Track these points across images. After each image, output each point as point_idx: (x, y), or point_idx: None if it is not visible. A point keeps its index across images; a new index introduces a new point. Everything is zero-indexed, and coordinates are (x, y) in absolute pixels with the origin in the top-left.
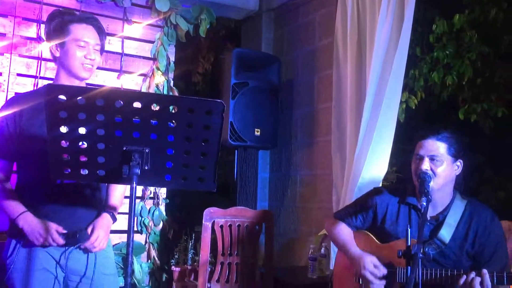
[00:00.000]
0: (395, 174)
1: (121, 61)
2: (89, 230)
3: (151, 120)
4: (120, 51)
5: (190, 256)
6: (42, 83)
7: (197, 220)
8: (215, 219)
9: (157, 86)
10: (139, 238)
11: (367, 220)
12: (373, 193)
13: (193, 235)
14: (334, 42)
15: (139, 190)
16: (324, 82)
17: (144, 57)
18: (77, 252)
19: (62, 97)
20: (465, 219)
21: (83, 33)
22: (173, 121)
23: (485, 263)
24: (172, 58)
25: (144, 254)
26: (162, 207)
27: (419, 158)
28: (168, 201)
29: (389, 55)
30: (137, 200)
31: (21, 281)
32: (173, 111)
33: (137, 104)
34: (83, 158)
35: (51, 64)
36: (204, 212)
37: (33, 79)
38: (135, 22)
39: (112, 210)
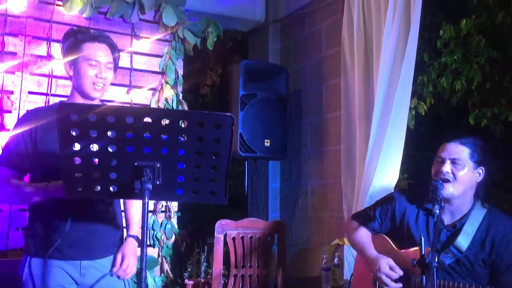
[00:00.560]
0: (406, 181)
1: (130, 76)
2: (118, 258)
3: (162, 135)
4: (129, 66)
5: (203, 269)
6: (53, 100)
7: (209, 232)
8: (227, 231)
9: (166, 99)
10: (152, 252)
11: (385, 223)
12: (392, 195)
13: (206, 247)
14: (341, 51)
15: (150, 203)
16: (332, 91)
17: (152, 72)
18: (92, 267)
19: (74, 115)
20: (483, 228)
21: (95, 52)
22: (183, 136)
23: (502, 273)
24: (181, 72)
25: (157, 268)
26: (174, 220)
27: (441, 161)
28: (179, 214)
29: (396, 62)
30: (149, 214)
31: None
32: (183, 126)
33: (147, 120)
34: (96, 175)
35: (62, 82)
36: (216, 225)
37: (44, 96)
38: (143, 37)
39: (136, 234)
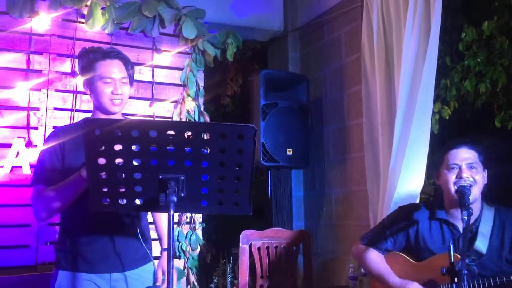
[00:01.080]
0: (432, 187)
1: (152, 90)
2: (159, 273)
3: (185, 148)
4: (151, 80)
5: (229, 279)
6: (77, 115)
7: (233, 242)
8: (252, 242)
9: (188, 111)
10: (178, 264)
11: (398, 242)
12: (401, 212)
13: (231, 257)
14: (361, 58)
15: (175, 215)
16: (354, 98)
17: (174, 84)
18: (121, 280)
19: (99, 130)
20: (497, 226)
21: (108, 69)
22: (206, 148)
23: None
24: (202, 84)
25: (184, 280)
26: (199, 231)
27: (457, 168)
28: (204, 225)
29: (418, 67)
30: (174, 226)
31: None
32: (205, 138)
33: (170, 133)
34: (121, 189)
35: (86, 97)
36: (240, 235)
37: (70, 112)
38: (164, 50)
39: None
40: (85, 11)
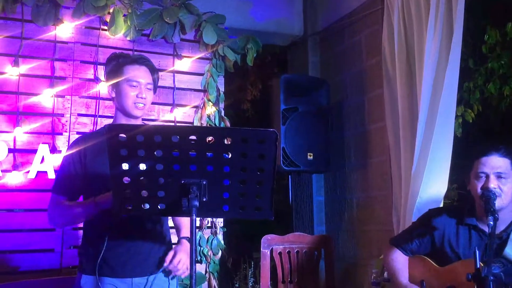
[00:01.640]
0: (456, 191)
1: (173, 95)
2: (170, 254)
3: (207, 153)
4: (172, 85)
5: (251, 284)
6: (101, 121)
7: (254, 247)
8: (273, 246)
9: (208, 116)
10: (199, 268)
11: (423, 245)
12: (429, 216)
13: (252, 262)
14: (382, 61)
15: (197, 220)
16: (374, 102)
17: (195, 90)
18: (143, 284)
19: (122, 135)
20: None
21: (135, 73)
22: (228, 152)
23: None
24: (222, 89)
25: (205, 284)
26: (220, 236)
27: (484, 176)
28: (225, 229)
29: (440, 70)
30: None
31: None
32: (227, 142)
33: (192, 138)
34: (144, 193)
35: (109, 103)
36: (261, 240)
37: (93, 118)
38: (185, 56)
39: (187, 236)
40: (108, 19)
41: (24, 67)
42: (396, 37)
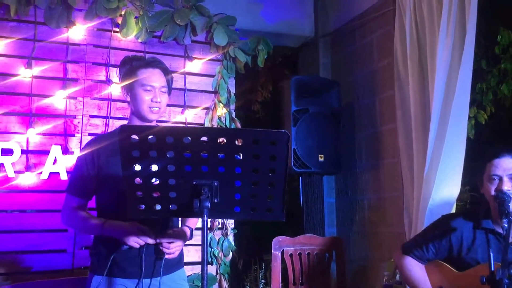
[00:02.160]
0: (468, 194)
1: (184, 96)
2: (169, 232)
3: (218, 154)
4: (183, 87)
5: (261, 286)
6: (112, 122)
7: (265, 249)
8: (284, 248)
9: (219, 118)
10: (210, 269)
11: (440, 251)
12: (444, 221)
13: (263, 264)
14: (394, 62)
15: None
16: (386, 103)
17: (206, 91)
18: (154, 286)
19: (135, 137)
20: None
21: (149, 77)
22: (240, 154)
23: None
24: (233, 90)
25: (216, 286)
26: (231, 238)
27: (497, 179)
28: (236, 231)
29: (453, 71)
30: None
31: None
32: (238, 144)
33: (204, 139)
34: (156, 194)
35: (120, 104)
36: (272, 241)
37: (104, 119)
38: (196, 58)
39: (191, 227)
40: (119, 21)
41: (37, 69)
42: (408, 38)
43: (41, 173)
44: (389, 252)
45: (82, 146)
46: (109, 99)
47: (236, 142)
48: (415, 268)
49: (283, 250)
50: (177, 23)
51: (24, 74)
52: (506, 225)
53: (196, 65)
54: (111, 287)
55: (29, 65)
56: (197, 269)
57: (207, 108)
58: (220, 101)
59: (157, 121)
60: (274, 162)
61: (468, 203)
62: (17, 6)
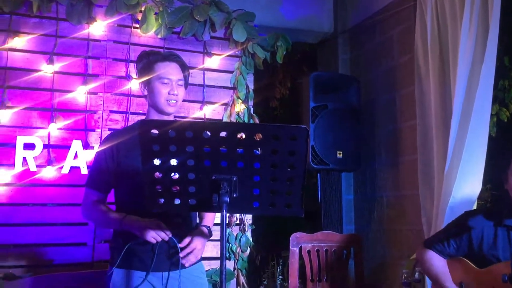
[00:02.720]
0: (489, 192)
1: (203, 92)
2: (186, 241)
3: (238, 149)
4: (202, 83)
5: (279, 282)
6: (132, 117)
7: (283, 245)
8: (302, 244)
9: (238, 114)
10: (228, 265)
11: (461, 247)
12: (466, 217)
13: (280, 260)
14: (415, 58)
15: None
16: (406, 100)
17: (224, 87)
18: (174, 279)
19: (155, 131)
20: None
21: (166, 70)
22: (259, 149)
23: None
24: (251, 86)
25: (233, 281)
26: (249, 233)
27: None
28: (254, 227)
29: (475, 67)
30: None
31: None
32: (257, 139)
33: (223, 134)
34: (175, 189)
35: (140, 100)
36: (290, 238)
37: (124, 114)
38: (215, 54)
39: (208, 225)
40: (139, 17)
41: (58, 65)
42: (430, 33)
43: (62, 167)
44: (408, 249)
45: (101, 141)
46: (128, 95)
47: (255, 137)
48: (436, 262)
49: (301, 247)
50: (196, 19)
51: (46, 70)
52: None
53: (215, 61)
54: (131, 280)
55: (51, 61)
56: (215, 264)
57: (225, 104)
58: (238, 97)
59: (176, 116)
60: (293, 158)
61: (489, 202)
62: (39, 2)
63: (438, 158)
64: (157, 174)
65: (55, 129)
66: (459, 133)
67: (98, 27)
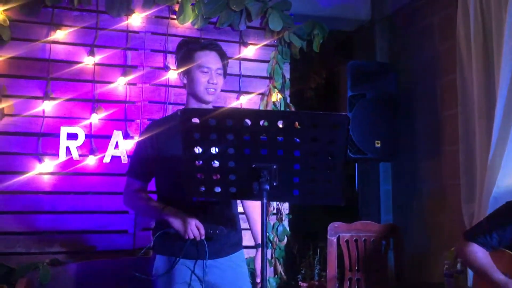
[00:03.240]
0: None
1: (239, 82)
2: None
3: (278, 137)
4: (238, 73)
5: (317, 271)
6: (170, 108)
7: (320, 235)
8: (340, 234)
9: (274, 104)
10: None
11: (504, 239)
12: (508, 208)
13: (318, 250)
14: (457, 46)
15: None
16: (448, 88)
17: (260, 77)
18: (214, 267)
19: (196, 119)
20: None
21: (206, 59)
22: (299, 137)
23: None
24: (288, 76)
25: (271, 269)
26: (286, 223)
27: None
28: (291, 216)
29: None
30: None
31: None
32: (297, 127)
33: (263, 122)
34: (216, 177)
35: (178, 90)
36: (328, 227)
37: (162, 104)
38: (251, 44)
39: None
40: (176, 8)
41: (99, 57)
42: (472, 20)
43: (103, 156)
44: (449, 240)
45: (140, 131)
46: (166, 85)
47: (295, 125)
48: (480, 255)
49: (339, 236)
50: (233, 9)
51: (87, 62)
52: None
53: (251, 50)
54: (173, 266)
55: (91, 53)
56: (252, 252)
57: (262, 94)
58: (275, 87)
59: (214, 106)
60: (333, 146)
61: None
62: None
63: (481, 147)
64: (197, 162)
65: (96, 119)
66: (503, 122)
67: (137, 19)
